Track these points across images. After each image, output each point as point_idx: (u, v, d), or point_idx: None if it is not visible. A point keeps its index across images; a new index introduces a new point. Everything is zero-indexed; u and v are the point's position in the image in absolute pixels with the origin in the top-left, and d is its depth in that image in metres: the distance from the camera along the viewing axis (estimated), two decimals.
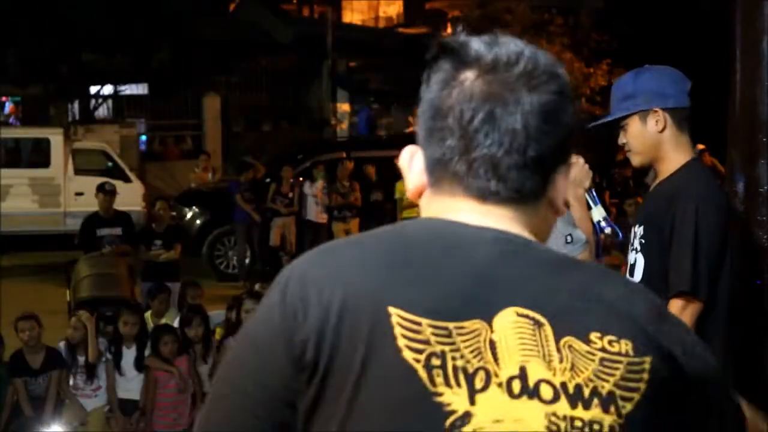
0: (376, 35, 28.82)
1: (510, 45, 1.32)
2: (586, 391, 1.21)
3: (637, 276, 3.22)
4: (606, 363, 1.23)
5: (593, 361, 1.22)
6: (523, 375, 1.20)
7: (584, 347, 1.23)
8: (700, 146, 11.78)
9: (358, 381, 1.20)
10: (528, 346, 1.22)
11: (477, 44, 1.31)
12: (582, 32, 21.25)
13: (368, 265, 1.26)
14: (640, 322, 1.26)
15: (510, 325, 1.22)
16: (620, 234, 3.23)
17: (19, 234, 16.01)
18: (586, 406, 1.20)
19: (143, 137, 22.48)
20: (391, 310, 1.21)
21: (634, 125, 3.28)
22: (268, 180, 14.11)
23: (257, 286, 8.34)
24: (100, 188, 10.20)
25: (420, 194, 1.36)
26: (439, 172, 1.31)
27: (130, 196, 15.46)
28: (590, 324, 1.24)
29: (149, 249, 10.00)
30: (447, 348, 1.20)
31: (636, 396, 1.23)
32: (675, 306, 3.08)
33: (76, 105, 22.12)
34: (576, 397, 1.21)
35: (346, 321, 1.21)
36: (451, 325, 1.21)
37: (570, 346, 1.23)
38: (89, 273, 8.51)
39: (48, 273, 13.13)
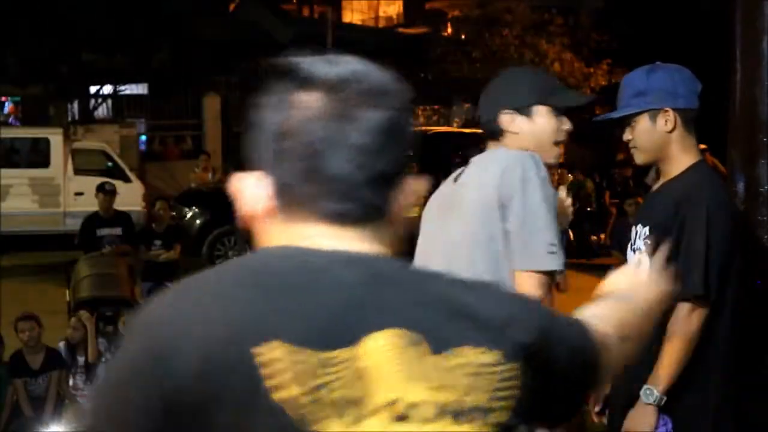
0: (376, 35, 28.83)
1: (348, 64, 1.33)
2: (465, 406, 1.21)
3: None
4: (479, 375, 1.23)
5: (468, 375, 1.23)
6: (402, 398, 1.19)
7: (457, 361, 1.23)
8: (702, 146, 11.77)
9: (233, 426, 1.17)
10: (403, 367, 1.20)
11: (314, 65, 1.31)
12: (582, 32, 21.27)
13: (233, 301, 1.22)
14: (504, 329, 1.28)
15: (384, 348, 1.21)
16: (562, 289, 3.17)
17: (19, 234, 16.01)
18: (467, 420, 1.21)
19: (143, 137, 22.47)
20: (258, 350, 1.17)
21: (642, 123, 3.26)
22: None
23: None
24: (100, 188, 10.20)
25: (257, 220, 1.33)
26: (287, 196, 1.29)
27: (130, 196, 15.45)
28: (461, 337, 1.24)
29: (149, 249, 10.00)
30: (325, 379, 1.18)
31: (510, 403, 1.25)
32: (684, 309, 3.08)
33: (75, 105, 22.11)
34: (456, 413, 1.21)
35: (213, 367, 1.17)
36: (327, 354, 1.19)
37: (444, 362, 1.22)
38: (89, 273, 8.50)
39: (48, 273, 13.12)
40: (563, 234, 2.96)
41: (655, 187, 3.41)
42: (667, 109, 3.22)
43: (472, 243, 2.77)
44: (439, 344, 1.23)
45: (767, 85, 3.46)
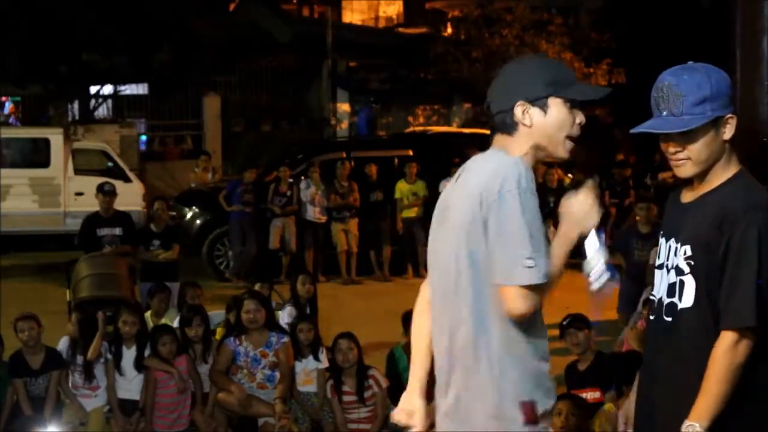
0: (376, 35, 28.81)
1: None
2: None
3: (687, 300, 2.98)
4: None
5: None
6: None
7: None
8: None
9: None
10: None
11: None
12: (582, 32, 21.26)
13: None
14: None
15: None
16: (618, 281, 2.82)
17: (19, 234, 16.02)
18: None
19: (143, 137, 22.46)
20: None
21: (704, 133, 2.94)
22: (266, 180, 14.09)
23: (257, 286, 8.33)
24: (100, 188, 10.19)
25: None
26: None
27: (130, 196, 15.46)
28: None
29: (147, 249, 9.99)
30: None
31: None
32: (730, 339, 2.88)
33: (76, 105, 22.09)
34: None
35: None
36: None
37: None
38: (89, 273, 8.50)
39: (48, 273, 13.13)
40: (599, 233, 2.79)
41: (687, 197, 3.11)
42: (732, 115, 2.95)
43: (457, 259, 2.79)
44: None
45: (767, 84, 3.45)
